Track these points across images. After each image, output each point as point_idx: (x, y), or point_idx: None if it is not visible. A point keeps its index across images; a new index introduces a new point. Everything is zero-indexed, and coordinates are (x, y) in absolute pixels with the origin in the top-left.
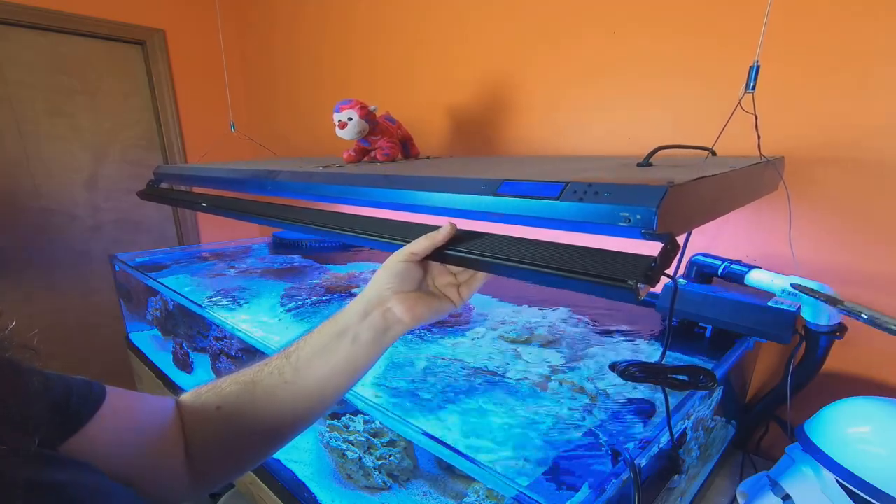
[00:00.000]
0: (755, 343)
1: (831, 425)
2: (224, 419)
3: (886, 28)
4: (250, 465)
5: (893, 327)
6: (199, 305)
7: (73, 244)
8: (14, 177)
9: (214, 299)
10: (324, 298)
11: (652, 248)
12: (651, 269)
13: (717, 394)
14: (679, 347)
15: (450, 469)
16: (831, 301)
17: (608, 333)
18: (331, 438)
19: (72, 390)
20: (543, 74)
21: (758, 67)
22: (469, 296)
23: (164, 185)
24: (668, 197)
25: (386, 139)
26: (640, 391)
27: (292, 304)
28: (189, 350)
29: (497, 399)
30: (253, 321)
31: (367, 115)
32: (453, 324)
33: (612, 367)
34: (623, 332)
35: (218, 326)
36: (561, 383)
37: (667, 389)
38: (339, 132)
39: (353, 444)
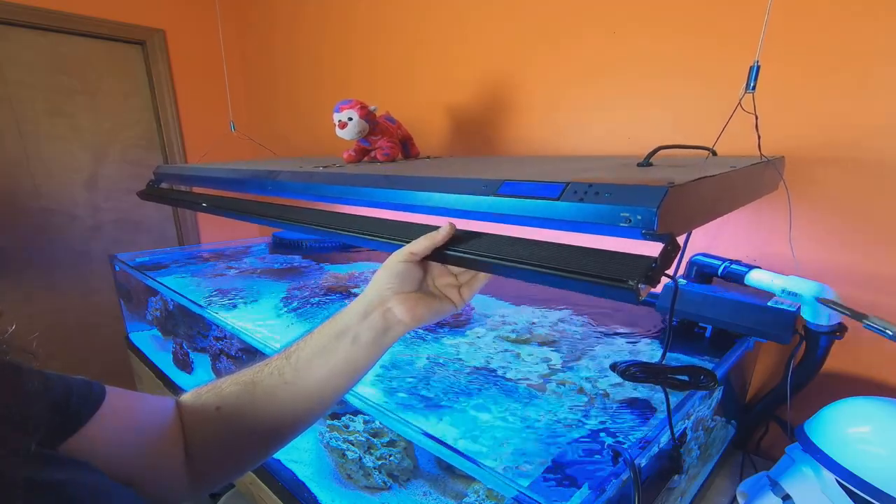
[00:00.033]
0: (755, 343)
1: (831, 425)
2: (224, 419)
3: (886, 28)
4: (250, 466)
5: None
6: (199, 305)
7: (73, 244)
8: (14, 177)
9: (214, 299)
10: (324, 299)
11: (651, 248)
12: (652, 269)
13: (717, 394)
14: (679, 347)
15: (450, 469)
16: (857, 316)
17: (608, 333)
18: (331, 438)
19: (72, 390)
20: (543, 74)
21: (758, 67)
22: (470, 297)
23: (164, 185)
24: (668, 197)
25: (386, 139)
26: (640, 391)
27: (292, 305)
28: (189, 350)
29: (497, 399)
30: (253, 321)
31: (368, 115)
32: (453, 324)
33: (613, 367)
34: (623, 332)
35: (218, 326)
36: (561, 384)
37: (667, 390)
38: (339, 132)
39: (353, 444)
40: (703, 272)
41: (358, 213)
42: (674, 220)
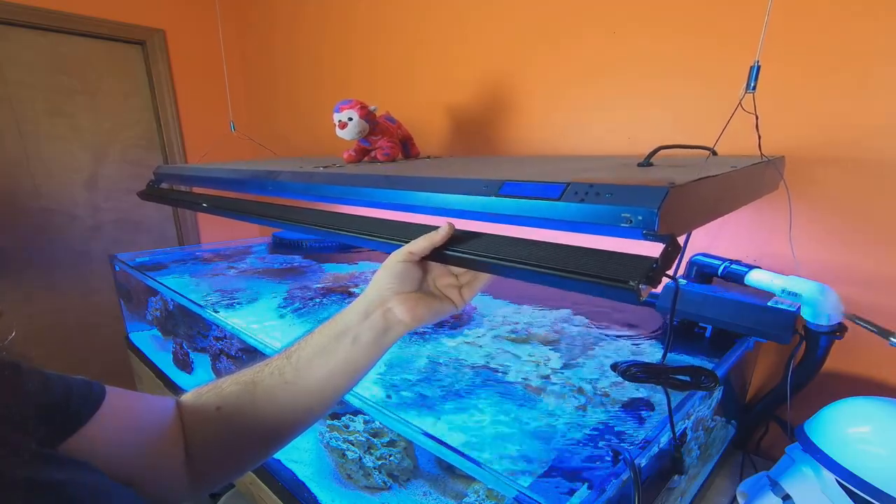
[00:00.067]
0: (755, 343)
1: (831, 425)
2: (224, 419)
3: (886, 28)
4: (250, 466)
5: None
6: (199, 305)
7: (73, 244)
8: (14, 177)
9: (214, 299)
10: (324, 299)
11: (648, 248)
12: (653, 270)
13: (717, 394)
14: (679, 347)
15: (450, 469)
16: (883, 333)
17: (608, 333)
18: (331, 438)
19: (71, 390)
20: (543, 74)
21: (758, 67)
22: (471, 297)
23: (164, 185)
24: (669, 198)
25: (386, 139)
26: (640, 391)
27: (292, 305)
28: (189, 350)
29: (497, 399)
30: (253, 321)
31: (368, 115)
32: (454, 323)
33: (614, 367)
34: (623, 332)
35: (218, 326)
36: (561, 384)
37: (669, 390)
38: (339, 132)
39: (353, 444)
40: (703, 272)
41: (358, 214)
42: (674, 221)
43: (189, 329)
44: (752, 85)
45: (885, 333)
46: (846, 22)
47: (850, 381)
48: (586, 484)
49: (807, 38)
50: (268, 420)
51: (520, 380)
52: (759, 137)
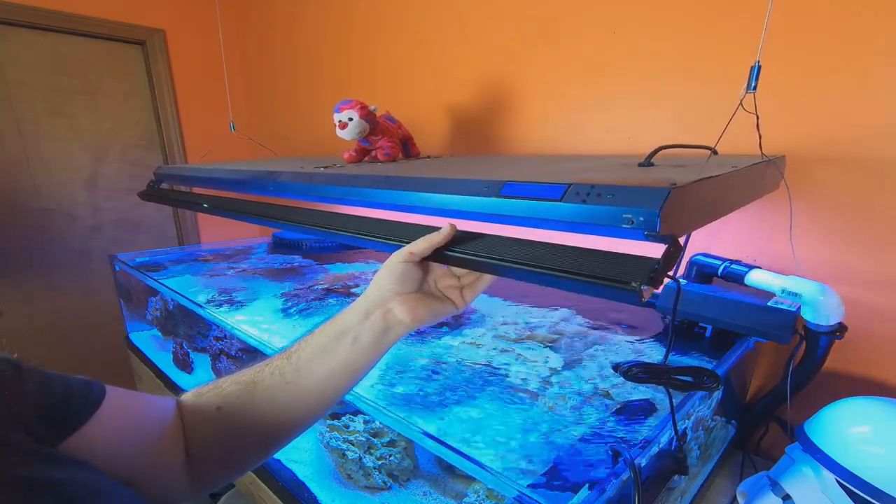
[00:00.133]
0: (755, 343)
1: (831, 425)
2: (224, 419)
3: (886, 28)
4: (250, 466)
5: None
6: (200, 305)
7: (73, 244)
8: (14, 177)
9: (214, 299)
10: (324, 299)
11: (646, 248)
12: (654, 270)
13: (717, 394)
14: (679, 347)
15: (450, 469)
16: None
17: (608, 333)
18: (331, 438)
19: (72, 390)
20: (543, 74)
21: (759, 67)
22: (472, 298)
23: (164, 185)
24: (670, 199)
25: (387, 139)
26: (641, 391)
27: (292, 305)
28: (189, 350)
29: (497, 399)
30: (253, 321)
31: (368, 115)
32: (454, 324)
33: (616, 367)
34: (623, 333)
35: (218, 326)
36: (561, 384)
37: (670, 391)
38: (339, 132)
39: (353, 444)
40: (703, 272)
41: (360, 215)
42: (676, 222)
43: (189, 329)
44: (753, 85)
45: None
46: (846, 22)
47: (850, 381)
48: (586, 484)
49: (807, 38)
50: (268, 420)
51: (520, 380)
52: (760, 137)
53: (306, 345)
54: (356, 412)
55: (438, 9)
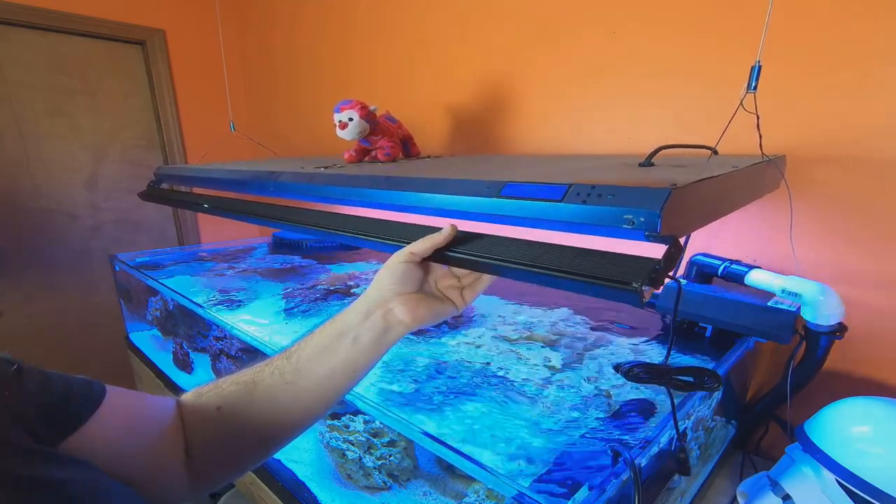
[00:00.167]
0: (755, 343)
1: (831, 425)
2: (224, 419)
3: (886, 28)
4: (251, 465)
5: None
6: (200, 305)
7: (73, 244)
8: (14, 177)
9: (214, 299)
10: (324, 299)
11: (646, 248)
12: (655, 271)
13: (718, 394)
14: (679, 347)
15: (450, 469)
16: None
17: (608, 333)
18: (331, 438)
19: (72, 389)
20: (543, 74)
21: (759, 67)
22: (472, 299)
23: (164, 185)
24: (671, 199)
25: (387, 139)
26: (641, 391)
27: (292, 305)
28: (189, 350)
29: (497, 399)
30: (253, 321)
31: (368, 115)
32: (454, 324)
33: (617, 367)
34: (623, 332)
35: (218, 326)
36: (561, 384)
37: (672, 391)
38: (339, 133)
39: (353, 444)
40: (703, 272)
41: (361, 215)
42: (676, 222)
43: (189, 329)
44: (754, 85)
45: None
46: (846, 22)
47: (850, 381)
48: (586, 484)
49: (807, 38)
50: (268, 420)
51: (520, 380)
52: (760, 137)
53: (306, 345)
54: (356, 412)
55: (438, 9)
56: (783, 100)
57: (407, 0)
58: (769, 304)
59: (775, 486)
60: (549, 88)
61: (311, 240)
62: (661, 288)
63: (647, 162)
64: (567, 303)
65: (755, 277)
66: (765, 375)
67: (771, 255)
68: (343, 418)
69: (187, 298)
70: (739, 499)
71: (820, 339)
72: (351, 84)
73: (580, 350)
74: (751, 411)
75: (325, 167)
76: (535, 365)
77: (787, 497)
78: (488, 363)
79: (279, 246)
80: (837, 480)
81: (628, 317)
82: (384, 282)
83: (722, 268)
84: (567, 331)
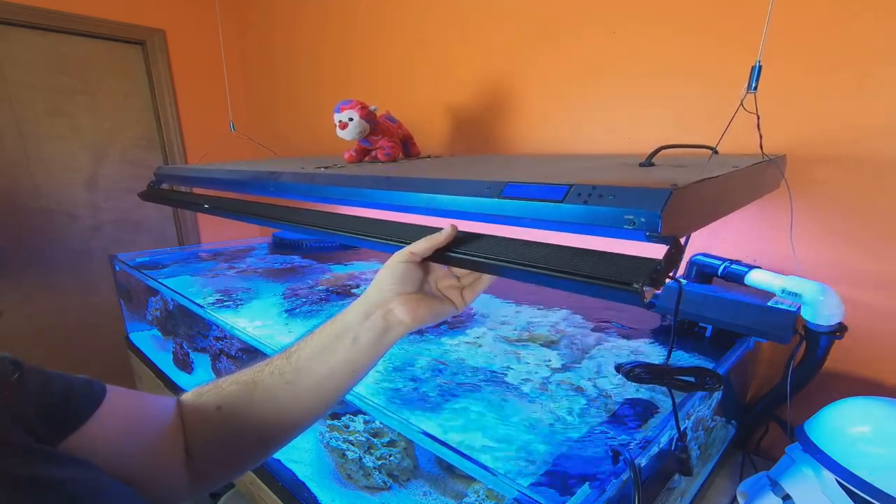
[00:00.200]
0: (755, 343)
1: (831, 425)
2: (224, 419)
3: (886, 28)
4: (251, 465)
5: None
6: (200, 305)
7: (73, 244)
8: (14, 177)
9: (214, 299)
10: (324, 299)
11: (645, 248)
12: (656, 271)
13: (718, 394)
14: (679, 347)
15: (450, 469)
16: None
17: (608, 333)
18: (331, 438)
19: (72, 389)
20: (543, 74)
21: (759, 67)
22: (472, 299)
23: (164, 185)
24: (672, 200)
25: (387, 139)
26: (641, 391)
27: (292, 305)
28: (189, 350)
29: (497, 399)
30: (253, 321)
31: (368, 115)
32: (454, 324)
33: (618, 368)
34: (623, 333)
35: (218, 326)
36: (561, 383)
37: (673, 391)
38: (339, 133)
39: (353, 444)
40: (703, 272)
41: (361, 215)
42: (677, 222)
43: (189, 329)
44: (754, 85)
45: None
46: (846, 22)
47: (850, 381)
48: (586, 484)
49: (807, 38)
50: (268, 420)
51: (520, 380)
52: (761, 137)
53: (306, 345)
54: (356, 412)
55: (438, 9)
56: (783, 100)
57: (407, 0)
58: (769, 304)
59: (775, 486)
60: (549, 88)
61: (310, 240)
62: (662, 288)
63: (648, 162)
64: (567, 303)
65: (755, 277)
66: (765, 375)
67: (771, 255)
68: (343, 418)
69: (187, 298)
70: (739, 499)
71: (820, 339)
72: (351, 84)
73: (580, 350)
74: (751, 411)
75: (326, 167)
76: (536, 365)
77: (787, 497)
78: (489, 363)
79: (279, 246)
80: (837, 480)
81: (628, 317)
82: (384, 282)
83: (722, 268)
84: (567, 331)
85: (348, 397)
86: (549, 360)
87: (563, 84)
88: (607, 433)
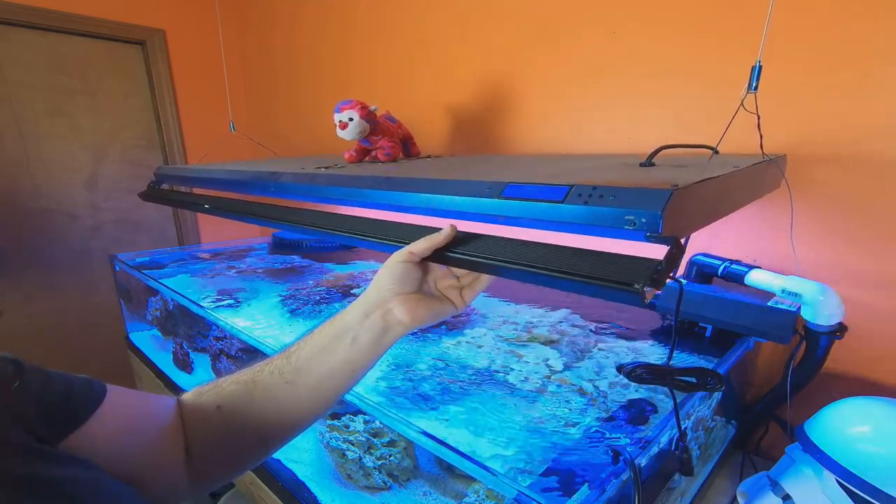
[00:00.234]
0: (755, 343)
1: (831, 425)
2: (224, 419)
3: (886, 28)
4: (251, 465)
5: None
6: (200, 305)
7: (73, 244)
8: (14, 177)
9: (214, 299)
10: (324, 298)
11: (645, 248)
12: (657, 272)
13: (718, 394)
14: (680, 347)
15: (450, 469)
16: None
17: (608, 334)
18: (331, 438)
19: (72, 388)
20: (543, 74)
21: (760, 67)
22: (471, 299)
23: (164, 186)
24: (672, 200)
25: (387, 139)
26: (641, 391)
27: (292, 305)
28: (189, 350)
29: (497, 399)
30: (253, 321)
31: (368, 115)
32: (454, 324)
33: (619, 368)
34: (623, 333)
35: (218, 326)
36: (561, 383)
37: (674, 392)
38: (339, 133)
39: (353, 444)
40: (703, 272)
41: (361, 216)
42: (678, 223)
43: (189, 329)
44: (754, 85)
45: None
46: (846, 22)
47: (850, 381)
48: (586, 484)
49: (807, 38)
50: (267, 419)
51: (520, 380)
52: (761, 137)
53: (306, 345)
54: (356, 412)
55: (438, 9)
56: (784, 99)
57: (407, 0)
58: (769, 304)
59: (775, 486)
60: (549, 88)
61: (310, 240)
62: (662, 288)
63: (648, 162)
64: (567, 303)
65: (755, 277)
66: (765, 375)
67: (771, 255)
68: (343, 418)
69: (187, 298)
70: (739, 499)
71: (820, 339)
72: (351, 84)
73: (580, 350)
74: (751, 411)
75: (326, 167)
76: (536, 365)
77: (787, 497)
78: (489, 363)
79: (279, 246)
80: (837, 480)
81: (628, 317)
82: (383, 282)
83: (722, 268)
84: (567, 331)
85: (348, 397)
86: (549, 360)
87: (563, 84)
88: (607, 433)
